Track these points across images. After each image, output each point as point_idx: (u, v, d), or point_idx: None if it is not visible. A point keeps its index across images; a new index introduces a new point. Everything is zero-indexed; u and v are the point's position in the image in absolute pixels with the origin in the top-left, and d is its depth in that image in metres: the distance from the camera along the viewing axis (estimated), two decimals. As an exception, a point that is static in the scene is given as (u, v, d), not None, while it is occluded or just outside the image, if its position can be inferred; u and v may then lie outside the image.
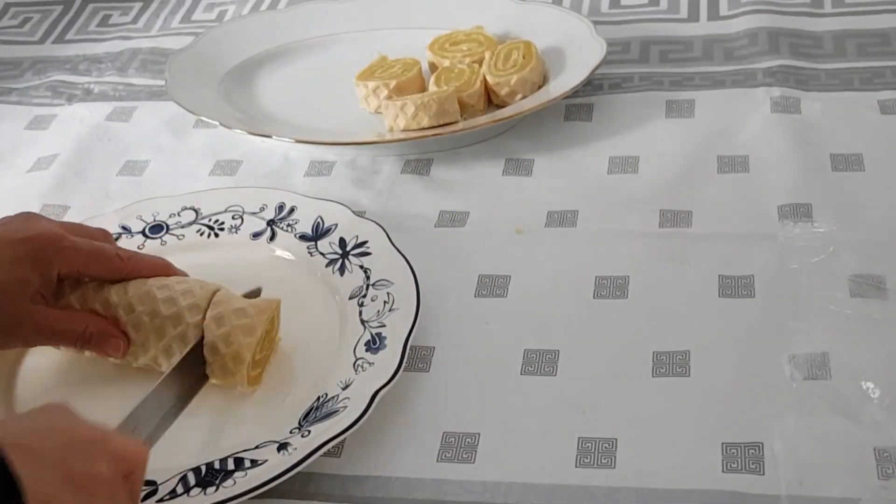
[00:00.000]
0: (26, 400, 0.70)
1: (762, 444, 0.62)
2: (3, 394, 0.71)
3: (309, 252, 0.79)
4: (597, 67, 0.92)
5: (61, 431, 0.51)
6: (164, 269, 0.72)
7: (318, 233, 0.80)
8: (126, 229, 0.83)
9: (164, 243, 0.82)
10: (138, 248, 0.81)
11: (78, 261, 0.68)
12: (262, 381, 0.70)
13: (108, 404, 0.67)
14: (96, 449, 0.51)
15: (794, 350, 0.67)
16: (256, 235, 0.81)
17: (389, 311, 0.72)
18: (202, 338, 0.67)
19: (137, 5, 1.21)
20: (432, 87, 0.93)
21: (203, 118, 0.95)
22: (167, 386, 0.64)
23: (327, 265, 0.78)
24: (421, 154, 0.91)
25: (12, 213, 0.89)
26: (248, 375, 0.67)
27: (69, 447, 0.50)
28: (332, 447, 0.63)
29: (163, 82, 1.02)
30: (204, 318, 0.67)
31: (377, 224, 0.79)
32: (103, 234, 0.74)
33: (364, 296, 0.74)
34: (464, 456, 0.64)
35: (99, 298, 0.69)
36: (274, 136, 0.91)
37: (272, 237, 0.81)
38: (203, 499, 0.60)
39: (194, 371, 0.67)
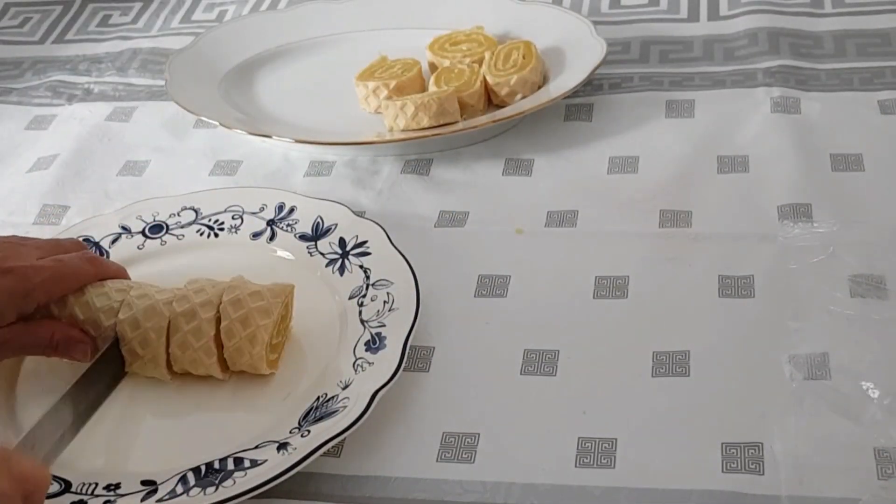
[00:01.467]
0: (28, 401, 0.70)
1: (762, 444, 0.62)
2: (5, 395, 0.71)
3: (309, 252, 0.79)
4: (597, 67, 0.92)
5: None
6: (124, 273, 0.73)
7: (318, 233, 0.80)
8: (126, 229, 0.83)
9: (163, 243, 0.82)
10: (138, 248, 0.81)
11: (54, 289, 0.68)
12: (277, 367, 0.70)
13: (110, 404, 0.67)
14: None
15: (794, 350, 0.67)
16: (256, 235, 0.81)
17: (389, 311, 0.72)
18: (113, 341, 0.68)
19: (137, 5, 1.21)
20: (432, 87, 0.93)
21: (203, 118, 0.95)
22: (65, 404, 0.64)
23: (327, 265, 0.77)
24: (421, 154, 0.91)
25: (12, 213, 0.90)
26: (266, 358, 0.68)
27: None
28: (332, 447, 0.63)
29: (163, 82, 1.02)
30: (218, 311, 0.68)
31: (377, 224, 0.79)
32: (75, 246, 0.74)
33: (364, 296, 0.74)
34: (464, 456, 0.64)
35: (79, 303, 0.69)
36: (274, 136, 0.91)
37: (272, 237, 0.81)
38: (203, 499, 0.60)
39: (97, 384, 0.67)
